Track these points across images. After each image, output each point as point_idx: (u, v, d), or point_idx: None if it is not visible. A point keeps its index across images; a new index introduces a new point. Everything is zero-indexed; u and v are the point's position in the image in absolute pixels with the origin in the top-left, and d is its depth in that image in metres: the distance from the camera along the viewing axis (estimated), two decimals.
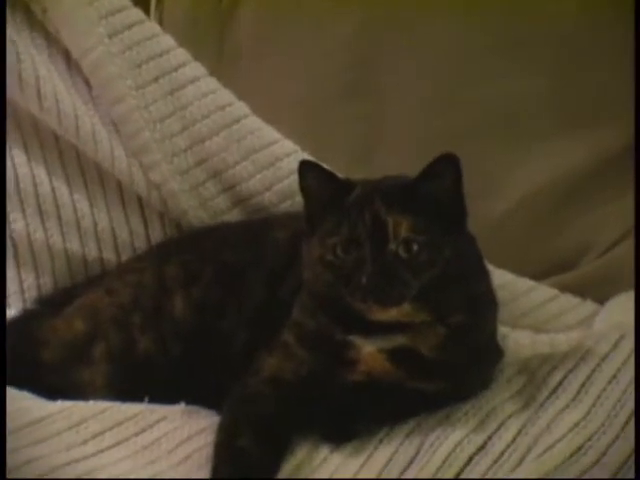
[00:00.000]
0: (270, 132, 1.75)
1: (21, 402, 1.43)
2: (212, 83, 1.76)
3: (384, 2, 1.82)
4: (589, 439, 1.28)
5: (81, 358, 1.52)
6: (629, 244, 1.70)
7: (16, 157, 1.74)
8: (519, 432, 1.32)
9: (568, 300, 1.72)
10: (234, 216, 1.74)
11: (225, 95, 1.76)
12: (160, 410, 1.42)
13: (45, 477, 1.26)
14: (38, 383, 1.49)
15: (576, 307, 1.72)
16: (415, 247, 1.30)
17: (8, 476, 1.24)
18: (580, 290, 1.72)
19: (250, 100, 1.76)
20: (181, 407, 1.43)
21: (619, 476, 1.23)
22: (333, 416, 1.36)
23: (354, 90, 1.81)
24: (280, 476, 1.29)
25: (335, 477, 1.29)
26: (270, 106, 1.78)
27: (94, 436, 1.37)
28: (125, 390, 1.47)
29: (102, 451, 1.35)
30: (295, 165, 1.40)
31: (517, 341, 1.59)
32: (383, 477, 1.28)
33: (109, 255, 1.76)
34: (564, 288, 1.73)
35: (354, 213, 1.32)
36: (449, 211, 1.33)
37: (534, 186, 1.76)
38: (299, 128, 1.77)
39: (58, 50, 1.77)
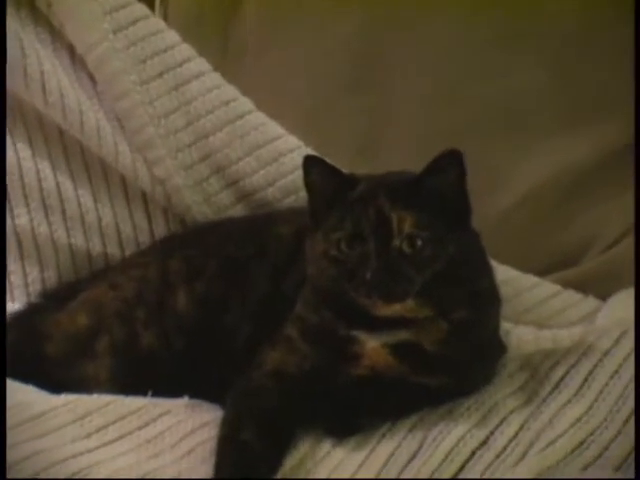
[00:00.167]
0: (274, 127, 1.75)
1: (25, 395, 1.43)
2: (216, 79, 1.76)
3: None
4: (591, 434, 1.29)
5: (85, 352, 1.52)
6: (632, 240, 1.70)
7: (21, 152, 1.74)
8: (521, 427, 1.33)
9: (571, 296, 1.72)
10: (238, 211, 1.75)
11: (229, 91, 1.76)
12: (163, 404, 1.42)
13: (48, 470, 1.26)
14: (42, 377, 1.49)
15: (579, 303, 1.71)
16: (419, 243, 1.30)
17: (13, 469, 1.25)
18: (583, 286, 1.72)
19: (254, 96, 1.77)
20: (184, 401, 1.43)
21: (621, 471, 1.24)
22: (336, 410, 1.36)
23: (357, 86, 1.81)
24: (283, 469, 1.30)
25: (338, 471, 1.30)
26: (274, 102, 1.78)
27: (98, 429, 1.37)
28: (129, 384, 1.47)
29: (105, 444, 1.35)
30: (299, 161, 1.41)
31: (520, 337, 1.60)
32: (385, 471, 1.29)
33: (113, 250, 1.76)
34: (567, 284, 1.73)
35: (358, 208, 1.32)
36: (453, 207, 1.34)
37: (536, 182, 1.76)
38: (303, 124, 1.77)
39: (63, 45, 1.77)
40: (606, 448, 1.27)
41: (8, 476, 1.23)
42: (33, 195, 1.74)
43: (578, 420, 1.32)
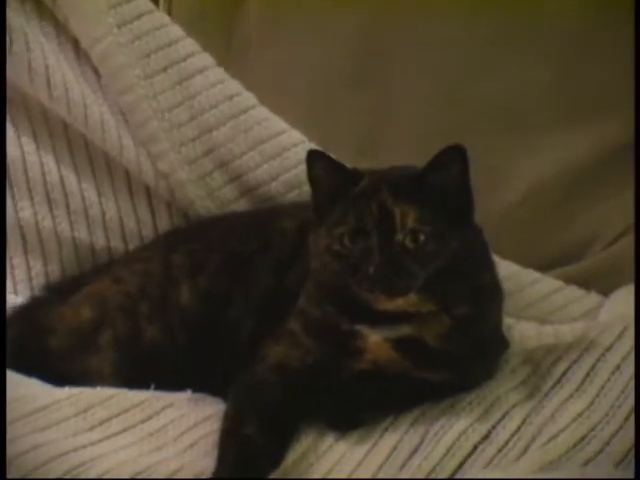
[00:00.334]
0: (277, 122, 1.75)
1: (28, 388, 1.43)
2: (220, 73, 1.76)
3: None
4: (593, 429, 1.29)
5: (88, 346, 1.53)
6: (632, 238, 1.70)
7: (25, 145, 1.75)
8: (523, 422, 1.33)
9: (573, 292, 1.72)
10: (241, 206, 1.75)
11: (233, 85, 1.76)
12: (166, 397, 1.42)
13: (51, 462, 1.26)
14: (45, 370, 1.49)
15: (581, 299, 1.72)
16: (422, 238, 1.31)
17: (15, 461, 1.25)
18: (585, 282, 1.72)
19: (258, 90, 1.77)
20: (187, 394, 1.43)
21: (622, 466, 1.24)
22: (339, 404, 1.37)
23: (358, 83, 1.81)
24: (285, 463, 1.30)
25: (340, 464, 1.30)
26: (277, 96, 1.78)
27: (101, 422, 1.37)
28: (132, 377, 1.48)
29: (108, 437, 1.35)
30: (302, 155, 1.41)
31: (522, 332, 1.60)
32: (387, 465, 1.29)
33: (116, 244, 1.76)
34: (569, 280, 1.73)
35: (361, 203, 1.32)
36: (456, 202, 1.34)
37: (537, 180, 1.76)
38: (306, 118, 1.77)
39: (67, 39, 1.77)
40: (607, 443, 1.27)
41: (11, 468, 1.23)
42: (37, 189, 1.74)
43: (580, 415, 1.32)
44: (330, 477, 1.29)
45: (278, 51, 1.85)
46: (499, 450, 1.28)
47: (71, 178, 1.76)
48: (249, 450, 1.30)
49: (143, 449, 1.34)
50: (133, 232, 1.77)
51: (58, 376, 1.48)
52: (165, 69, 1.73)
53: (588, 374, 1.39)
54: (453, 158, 1.33)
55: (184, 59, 1.74)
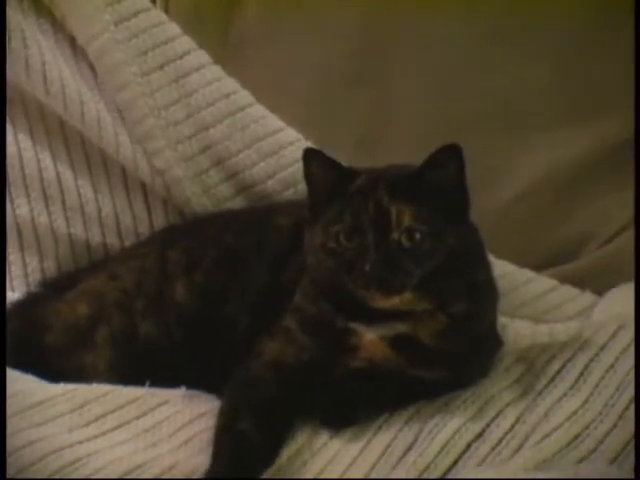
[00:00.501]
0: (274, 120, 1.75)
1: (24, 384, 1.43)
2: (217, 71, 1.76)
3: None
4: (586, 427, 1.30)
5: (84, 342, 1.53)
6: (630, 235, 1.70)
7: (22, 142, 1.75)
8: (517, 420, 1.33)
9: (568, 291, 1.73)
10: (237, 204, 1.75)
11: (230, 83, 1.76)
12: (161, 394, 1.43)
13: (46, 458, 1.27)
14: (41, 366, 1.49)
15: (575, 298, 1.72)
16: (418, 236, 1.31)
17: (11, 457, 1.25)
18: (580, 281, 1.73)
19: (254, 88, 1.77)
20: (182, 391, 1.44)
21: (616, 464, 1.24)
22: (333, 402, 1.37)
23: (359, 79, 1.81)
24: (280, 460, 1.30)
25: (335, 462, 1.31)
26: (274, 95, 1.78)
27: (96, 419, 1.38)
28: (127, 374, 1.48)
29: (104, 433, 1.35)
30: (299, 153, 1.41)
31: (517, 331, 1.60)
32: (381, 463, 1.29)
33: (112, 240, 1.77)
34: (565, 279, 1.73)
35: (357, 201, 1.32)
36: (452, 200, 1.34)
37: (536, 177, 1.76)
38: (304, 117, 1.77)
39: (64, 36, 1.77)
40: (601, 442, 1.27)
41: (7, 463, 1.24)
42: (34, 185, 1.75)
43: (574, 413, 1.32)
44: (324, 474, 1.30)
45: (276, 49, 1.85)
46: (493, 448, 1.29)
47: (67, 175, 1.76)
48: (244, 446, 1.30)
49: (138, 445, 1.34)
50: (129, 229, 1.77)
51: (54, 372, 1.48)
52: (162, 67, 1.73)
53: (582, 373, 1.40)
54: (449, 157, 1.33)
55: (181, 57, 1.74)
